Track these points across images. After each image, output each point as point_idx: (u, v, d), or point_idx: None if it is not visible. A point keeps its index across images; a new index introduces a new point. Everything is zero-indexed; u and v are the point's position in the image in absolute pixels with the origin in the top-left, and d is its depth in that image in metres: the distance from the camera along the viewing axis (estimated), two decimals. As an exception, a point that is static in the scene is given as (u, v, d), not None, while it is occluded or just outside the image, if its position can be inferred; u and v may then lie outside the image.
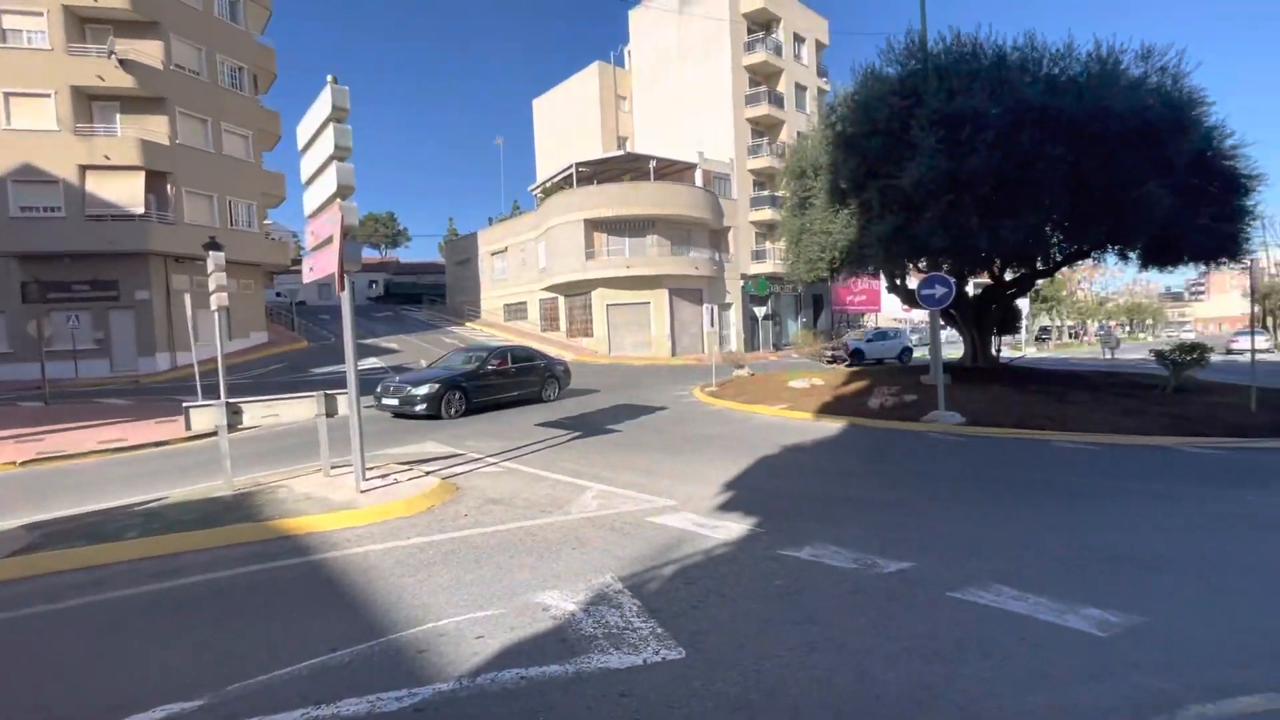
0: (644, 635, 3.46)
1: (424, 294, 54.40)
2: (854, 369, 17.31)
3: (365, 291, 55.12)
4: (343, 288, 6.03)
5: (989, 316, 15.85)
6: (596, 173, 33.91)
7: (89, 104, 23.94)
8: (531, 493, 6.64)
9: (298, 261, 40.74)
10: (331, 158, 6.19)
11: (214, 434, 10.41)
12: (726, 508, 6.01)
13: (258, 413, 6.85)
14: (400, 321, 41.67)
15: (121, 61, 23.50)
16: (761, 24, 37.11)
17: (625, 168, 33.69)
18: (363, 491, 6.35)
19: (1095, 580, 4.24)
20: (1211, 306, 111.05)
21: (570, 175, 32.67)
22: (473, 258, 42.28)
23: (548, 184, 35.72)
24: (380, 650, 3.36)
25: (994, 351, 17.02)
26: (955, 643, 3.37)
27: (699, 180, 33.53)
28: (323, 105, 6.24)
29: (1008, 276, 15.61)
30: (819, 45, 40.89)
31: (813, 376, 15.53)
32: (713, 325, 18.32)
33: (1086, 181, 10.78)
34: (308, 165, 6.91)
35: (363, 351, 28.29)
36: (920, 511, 6.03)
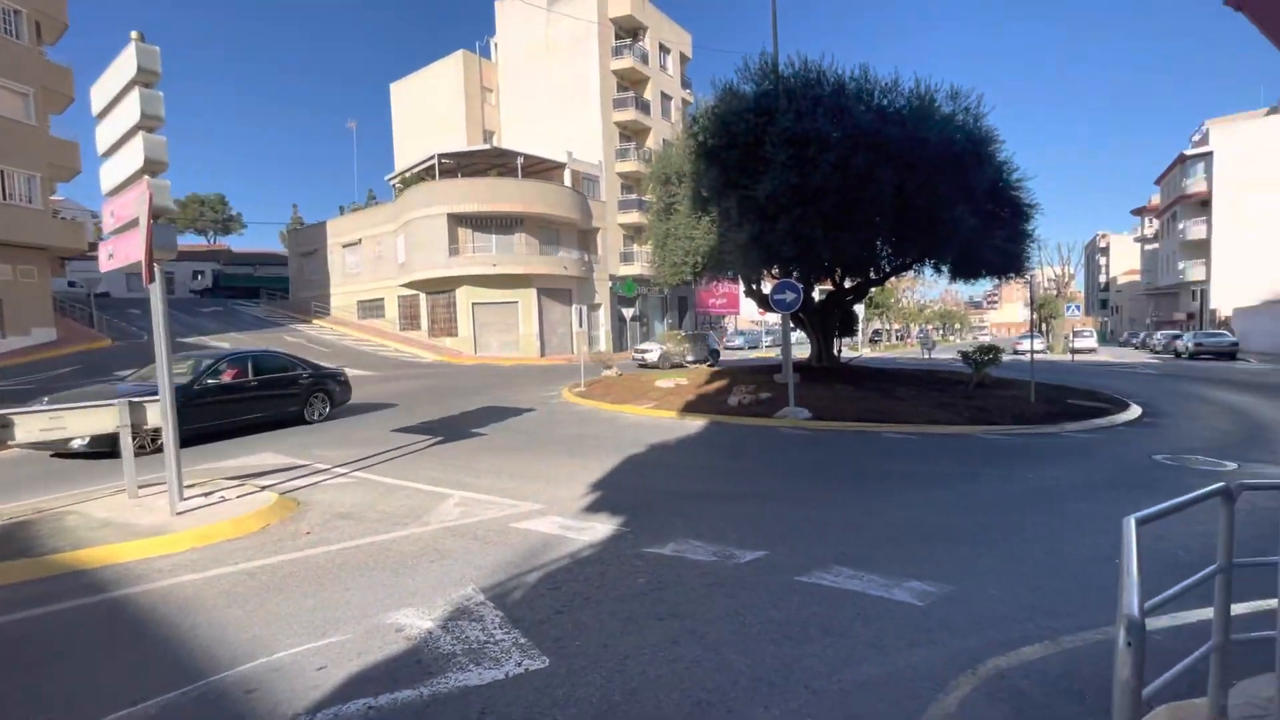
0: (506, 647, 3.35)
1: (262, 287, 48.94)
2: (716, 368, 18.20)
3: (188, 283, 48.35)
4: (151, 279, 5.20)
5: (831, 320, 17.42)
6: (461, 165, 32.59)
7: None
8: (386, 504, 6.19)
9: (97, 245, 34.75)
10: (137, 127, 5.33)
11: (-25, 452, 8.56)
12: (593, 509, 6.01)
13: (35, 425, 5.72)
14: (232, 318, 37.12)
15: None
16: (629, 30, 37.83)
17: (492, 162, 32.70)
18: (179, 513, 5.53)
19: (916, 555, 4.79)
20: (1003, 314, 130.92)
21: (432, 166, 31.09)
22: (321, 249, 38.77)
23: (407, 174, 33.71)
24: (198, 696, 2.94)
25: (836, 352, 18.73)
26: (802, 624, 3.64)
27: (568, 180, 33.45)
28: (125, 66, 5.35)
29: (847, 284, 17.24)
30: (683, 58, 42.53)
31: (678, 376, 16.09)
32: (582, 325, 18.35)
33: (909, 202, 12.21)
34: (106, 134, 5.90)
35: (183, 351, 24.77)
36: (774, 502, 6.45)
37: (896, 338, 63.25)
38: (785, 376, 12.72)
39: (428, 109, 41.02)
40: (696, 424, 11.51)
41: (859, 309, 26.91)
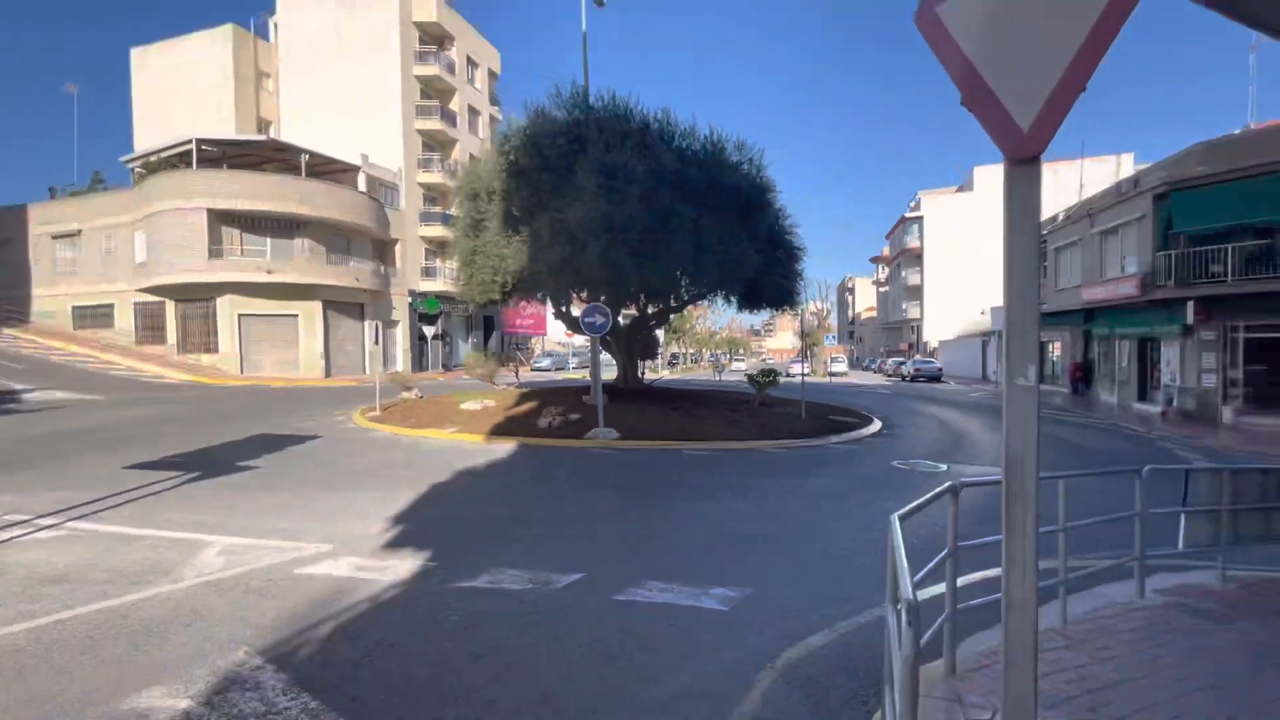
0: (293, 716, 2.89)
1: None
2: (525, 390, 17.96)
3: None
4: None
5: (636, 343, 18.30)
6: (228, 155, 28.26)
7: None
8: (118, 559, 5.00)
9: None
10: None
11: None
12: (395, 544, 5.51)
13: None
14: None
15: None
16: (435, 38, 36.37)
17: (269, 156, 28.84)
18: None
19: (718, 563, 5.18)
20: (777, 340, 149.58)
21: (189, 152, 26.40)
22: (19, 239, 30.59)
23: (153, 158, 28.19)
24: None
25: (640, 374, 19.69)
26: (620, 643, 3.70)
27: (362, 185, 30.81)
28: None
29: (650, 310, 18.29)
30: (492, 74, 42.03)
31: (485, 398, 15.55)
32: (376, 343, 16.88)
33: (704, 238, 13.41)
34: None
35: None
36: (588, 523, 6.51)
37: (691, 360, 68.62)
38: (595, 397, 13.01)
39: (184, 85, 34.88)
40: (506, 447, 11.22)
41: (660, 333, 28.71)
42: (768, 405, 16.39)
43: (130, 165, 29.87)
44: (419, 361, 33.57)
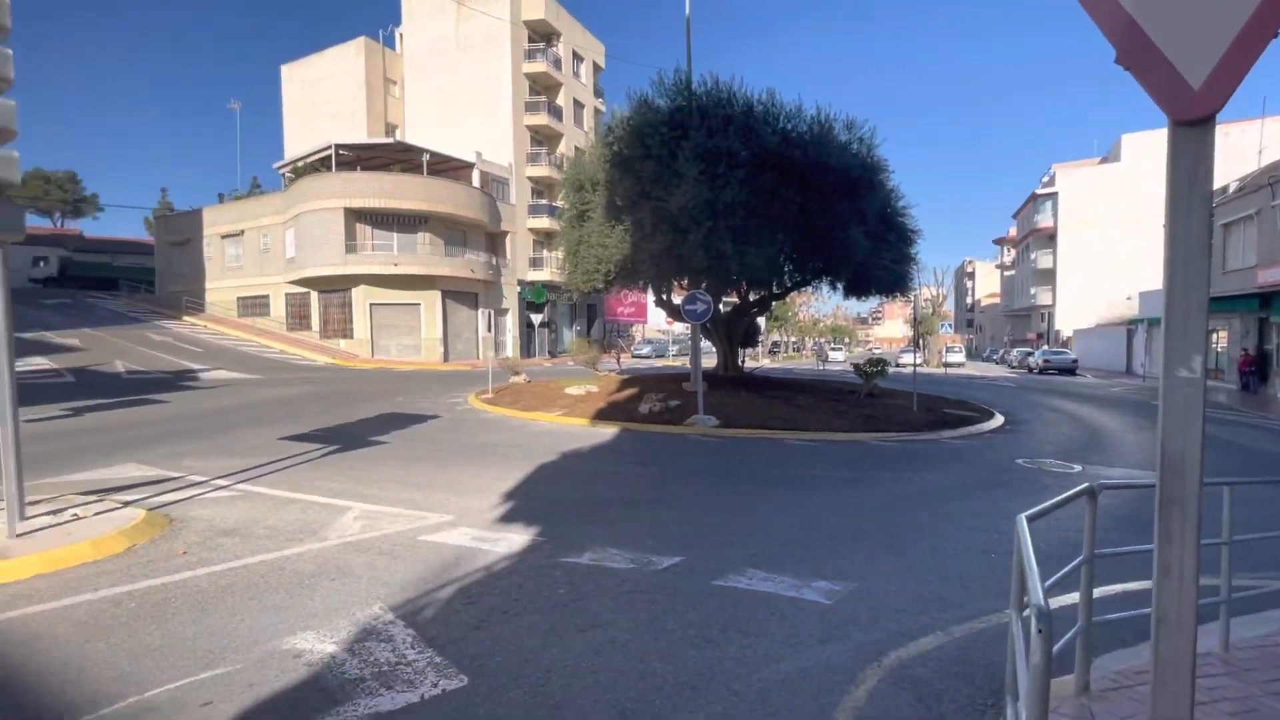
0: (420, 668, 3.17)
1: (121, 278, 43.66)
2: (626, 376, 18.31)
3: (28, 271, 42.08)
4: (-7, 264, 4.50)
5: (737, 331, 18.08)
6: (361, 158, 30.86)
7: None
8: (277, 519, 5.69)
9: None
10: (-23, 88, 4.61)
11: None
12: (507, 519, 5.85)
13: None
14: (84, 312, 32.80)
15: None
16: (542, 35, 37.53)
17: (395, 157, 31.20)
18: (20, 535, 4.80)
19: (821, 556, 5.05)
20: (885, 329, 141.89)
21: (329, 157, 29.17)
22: (196, 239, 35.21)
23: (300, 163, 31.42)
24: (51, 746, 2.55)
25: (740, 362, 19.45)
26: (721, 627, 3.72)
27: (476, 181, 32.55)
28: (-36, 16, 4.61)
29: (752, 297, 17.98)
30: (596, 67, 42.76)
31: (588, 383, 16.03)
32: (488, 330, 17.89)
33: (811, 222, 12.95)
34: (-67, 93, 5.04)
35: (24, 349, 21.56)
36: (687, 508, 6.57)
37: (793, 349, 66.76)
38: (695, 385, 13.03)
39: (324, 96, 38.51)
40: (608, 432, 11.52)
41: (761, 321, 28.17)
42: (875, 396, 15.64)
43: (281, 171, 33.47)
44: (526, 348, 35.14)
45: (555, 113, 37.47)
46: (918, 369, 15.89)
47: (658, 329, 50.18)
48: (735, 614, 3.91)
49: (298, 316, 31.08)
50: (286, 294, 31.23)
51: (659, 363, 35.84)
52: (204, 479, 7.15)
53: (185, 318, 33.67)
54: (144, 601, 3.94)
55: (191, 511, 5.90)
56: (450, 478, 7.48)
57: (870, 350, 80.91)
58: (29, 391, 12.14)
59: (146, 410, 12.83)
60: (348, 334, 28.89)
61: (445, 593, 4.14)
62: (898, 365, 27.65)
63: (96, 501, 5.83)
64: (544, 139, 38.04)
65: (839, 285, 16.54)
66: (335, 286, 28.81)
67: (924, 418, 13.25)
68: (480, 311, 31.13)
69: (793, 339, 67.46)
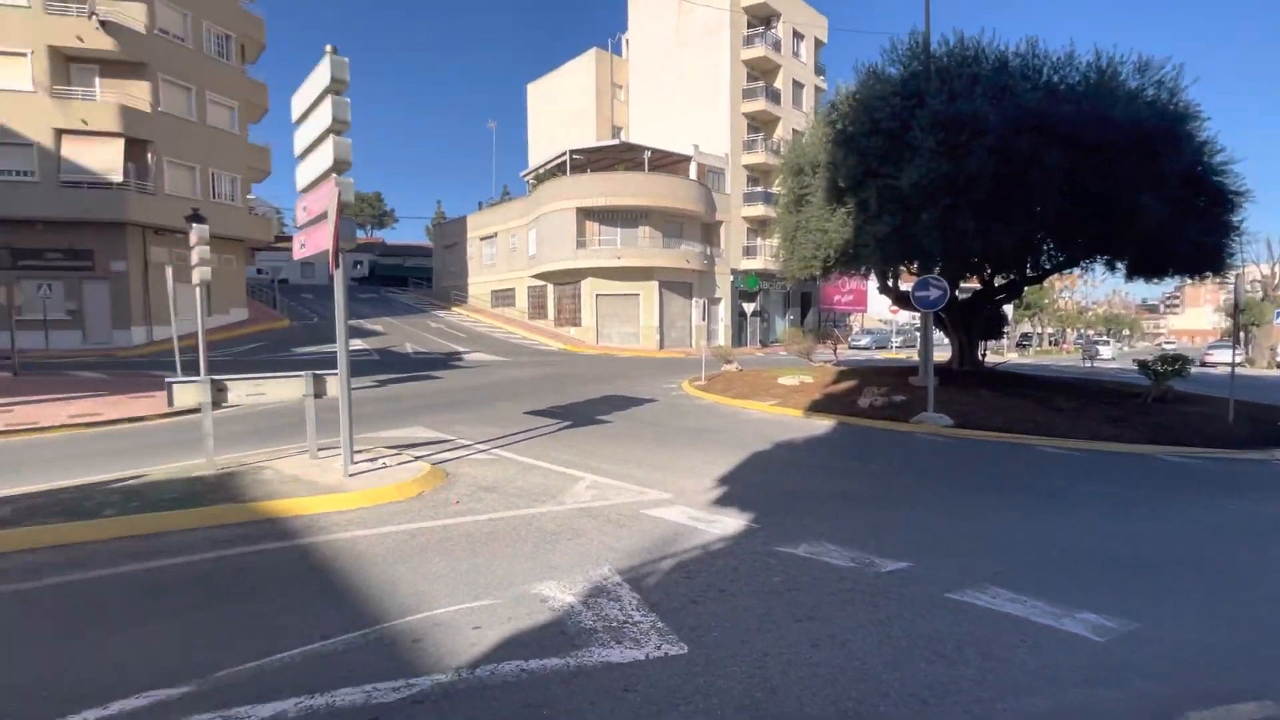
0: (645, 630, 3.40)
1: (410, 277, 53.67)
2: (843, 368, 17.38)
3: (350, 272, 54.25)
4: (336, 265, 5.86)
5: (977, 321, 16.00)
6: (590, 161, 33.64)
7: (67, 65, 23.13)
8: (524, 481, 6.55)
9: (281, 238, 39.83)
10: (328, 130, 6.00)
11: (195, 411, 10.14)
12: (721, 502, 5.97)
13: (243, 390, 6.67)
14: (385, 304, 41.10)
15: (103, 23, 22.69)
16: (761, 18, 36.97)
17: (619, 157, 33.46)
18: (351, 475, 6.22)
19: (1088, 584, 4.27)
20: (1185, 319, 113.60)
21: (564, 162, 32.40)
22: (461, 242, 41.80)
23: (540, 170, 35.39)
24: (374, 639, 3.27)
25: (980, 355, 17.20)
26: (956, 644, 3.37)
27: (693, 173, 33.43)
28: (320, 76, 6.04)
29: (997, 282, 15.74)
30: (818, 43, 40.87)
31: (802, 374, 15.57)
32: (702, 319, 18.31)
33: (1081, 189, 10.86)
34: (302, 138, 6.70)
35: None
36: (914, 511, 6.05)
37: (1050, 342, 56.94)
38: (924, 379, 11.88)
39: (561, 107, 42.78)
40: (824, 424, 11.07)
41: (1008, 309, 24.53)
42: (1167, 401, 12.67)
43: (525, 178, 38.05)
44: (738, 337, 35.28)
45: (773, 97, 36.72)
46: (1236, 369, 12.44)
47: (879, 318, 46.67)
48: (973, 632, 3.50)
49: (536, 306, 35.17)
50: (528, 287, 35.50)
51: (879, 355, 33.38)
52: (469, 443, 8.50)
53: (453, 308, 40.25)
54: (431, 537, 4.84)
55: (461, 469, 7.07)
56: (667, 458, 7.86)
57: (1160, 345, 65.75)
58: (352, 367, 15.66)
59: (427, 384, 15.65)
60: (576, 322, 31.88)
61: (665, 564, 4.38)
62: (1203, 364, 21.97)
63: (397, 455, 7.30)
64: (760, 125, 37.55)
65: (1119, 265, 13.69)
66: (567, 279, 31.96)
67: (1245, 431, 10.39)
68: (694, 301, 32.05)
69: (1049, 330, 57.58)
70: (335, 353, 6.35)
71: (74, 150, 22.75)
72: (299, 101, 6.66)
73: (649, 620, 3.50)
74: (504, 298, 38.11)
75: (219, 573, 4.18)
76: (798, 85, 39.04)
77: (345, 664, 3.02)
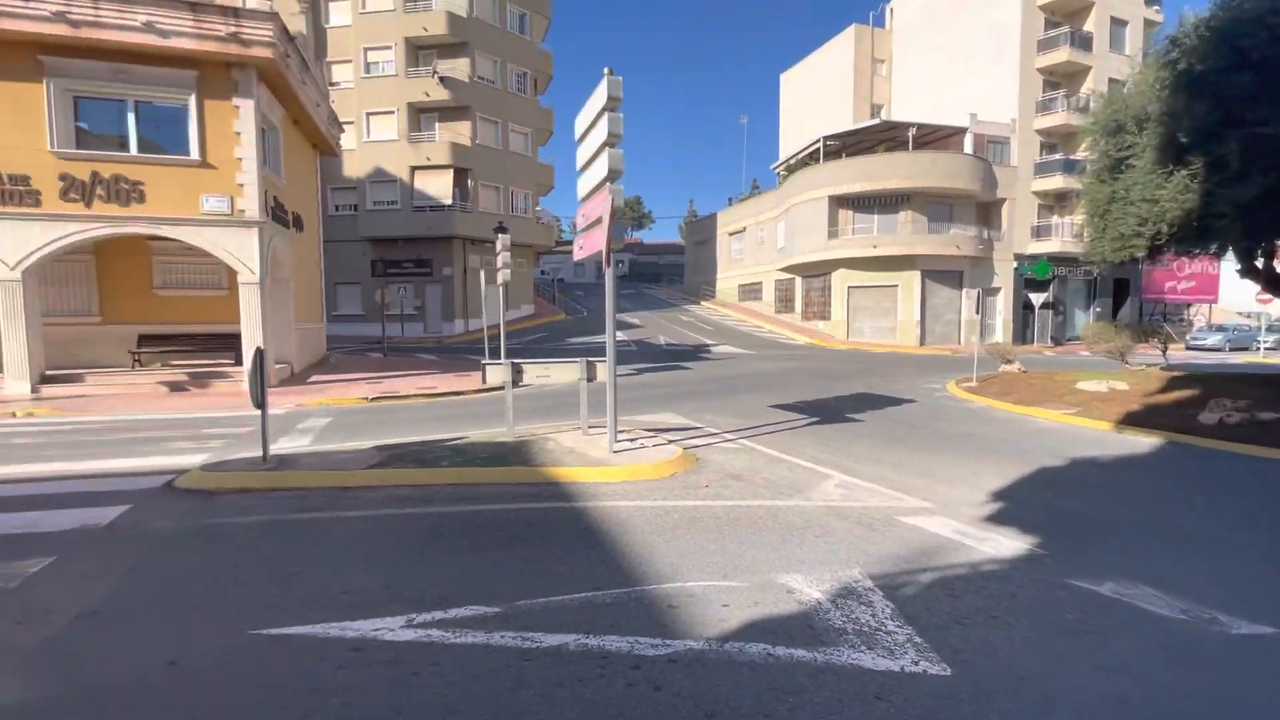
0: (900, 641, 3.19)
1: (663, 273, 57.47)
2: (1175, 373, 13.72)
3: (614, 270, 60.12)
4: (609, 265, 6.58)
5: None
6: (845, 145, 31.93)
7: (418, 116, 29.73)
8: (770, 473, 6.59)
9: (560, 243, 46.00)
10: (604, 144, 6.74)
11: (499, 388, 12.29)
12: (995, 519, 5.25)
13: (534, 373, 7.90)
14: (642, 299, 44.62)
15: (441, 79, 28.65)
16: (1065, -49, 30.80)
17: (879, 138, 31.14)
18: (615, 452, 6.94)
19: None
20: None
21: (816, 150, 31.28)
22: (711, 238, 43.23)
23: (791, 161, 34.74)
24: (636, 598, 3.64)
25: None
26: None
27: (968, 146, 29.49)
28: (599, 96, 6.80)
29: None
30: (1148, -34, 32.61)
31: (1112, 378, 12.76)
32: (976, 312, 16.12)
33: None
34: (583, 153, 7.63)
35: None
36: (1277, 560, 4.56)
37: None
38: (1311, 391, 8.80)
39: (814, 93, 41.33)
40: (1144, 441, 8.94)
41: None
42: None
43: (775, 170, 37.70)
44: (1021, 333, 30.29)
45: (1080, 43, 30.38)
46: None
47: (1236, 311, 35.77)
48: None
49: (783, 300, 34.72)
50: (775, 280, 35.21)
51: (1236, 357, 25.71)
52: (717, 431, 8.82)
53: (702, 302, 41.90)
54: (683, 516, 5.17)
55: (709, 455, 7.39)
56: (926, 464, 7.17)
57: None
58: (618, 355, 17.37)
59: (677, 374, 16.60)
60: (825, 316, 30.65)
61: (924, 577, 4.02)
62: None
63: (653, 437, 7.92)
64: (1061, 80, 31.42)
65: None
66: (816, 271, 30.89)
67: None
68: (964, 291, 28.42)
69: None
70: (600, 343, 7.14)
71: (421, 182, 29.23)
72: (581, 121, 7.59)
73: (904, 632, 3.27)
74: (751, 292, 38.41)
75: (517, 522, 5.05)
76: (1118, 23, 31.68)
77: (612, 615, 3.42)
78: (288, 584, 3.84)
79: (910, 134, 28.76)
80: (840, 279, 29.62)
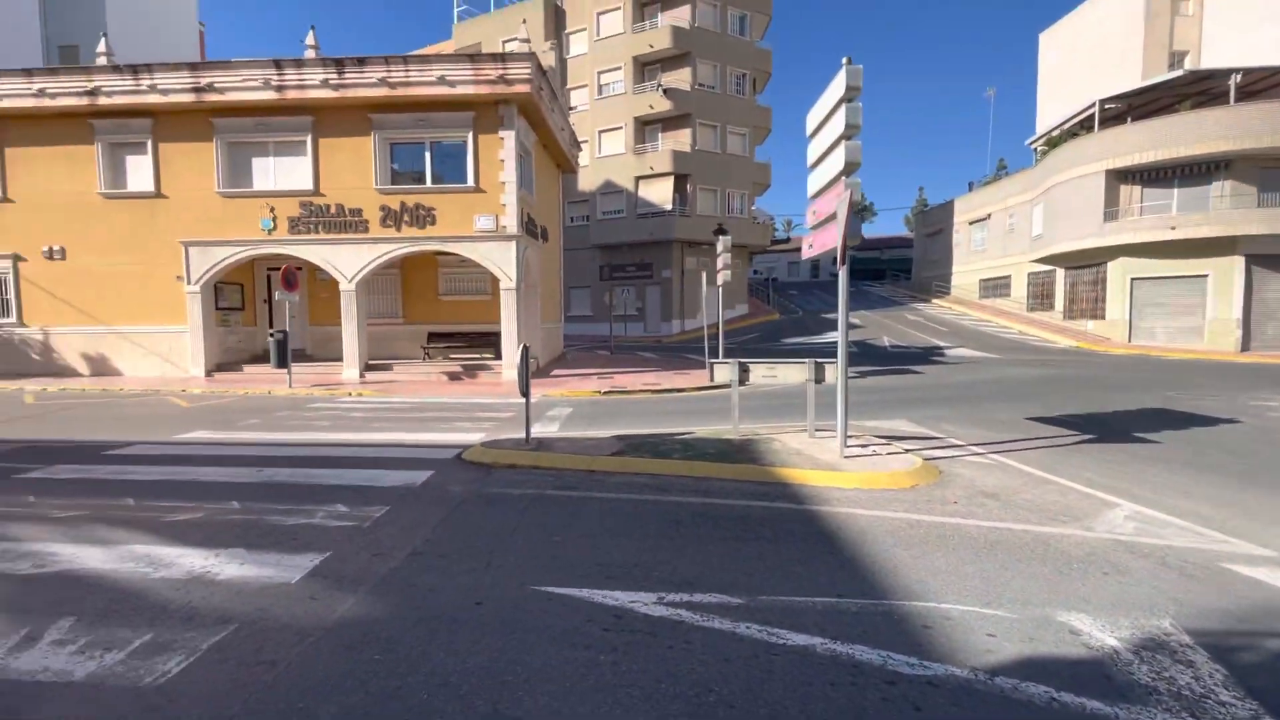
0: (1237, 715, 2.58)
1: (886, 269, 53.35)
2: None
3: (830, 267, 57.33)
4: (844, 262, 6.33)
5: None
6: (1131, 108, 26.49)
7: (642, 128, 31.64)
8: (1034, 494, 5.76)
9: (776, 242, 45.29)
10: (841, 137, 6.51)
11: (714, 387, 12.57)
12: (1387, 584, 3.94)
13: (759, 372, 7.94)
14: (862, 297, 41.93)
15: (664, 91, 30.13)
16: None
17: (1181, 93, 25.21)
18: (846, 457, 6.67)
19: None
20: None
21: (1089, 116, 26.40)
22: (945, 228, 39.00)
23: (1054, 133, 29.77)
24: (883, 612, 3.47)
25: None
26: None
27: (1325, 90, 22.39)
28: (836, 87, 6.58)
29: None
30: None
31: None
32: (1340, 308, 12.17)
33: None
34: (815, 148, 7.45)
35: (825, 326, 29.72)
36: None
37: None
38: None
39: (1085, 50, 34.78)
40: None
41: None
42: None
43: (1033, 145, 32.61)
44: None
45: None
46: None
47: None
48: None
49: (1039, 296, 29.94)
50: (1028, 273, 30.55)
51: None
52: (960, 443, 7.96)
53: (933, 300, 37.98)
54: (930, 532, 4.78)
55: (954, 469, 6.70)
56: (1260, 501, 5.63)
57: None
58: (831, 356, 16.61)
59: (906, 378, 15.30)
60: (1097, 314, 25.75)
61: (1270, 643, 3.19)
62: None
63: (887, 444, 7.43)
64: None
65: None
66: (1086, 261, 26.09)
67: None
68: (1316, 281, 21.79)
69: None
70: (817, 344, 6.89)
71: (645, 190, 31.07)
72: (814, 116, 7.42)
73: (1246, 708, 2.63)
74: (995, 287, 33.83)
75: (749, 518, 5.13)
76: None
77: (860, 624, 3.31)
78: (555, 551, 4.41)
79: (1232, 82, 22.74)
80: (1119, 269, 24.62)
